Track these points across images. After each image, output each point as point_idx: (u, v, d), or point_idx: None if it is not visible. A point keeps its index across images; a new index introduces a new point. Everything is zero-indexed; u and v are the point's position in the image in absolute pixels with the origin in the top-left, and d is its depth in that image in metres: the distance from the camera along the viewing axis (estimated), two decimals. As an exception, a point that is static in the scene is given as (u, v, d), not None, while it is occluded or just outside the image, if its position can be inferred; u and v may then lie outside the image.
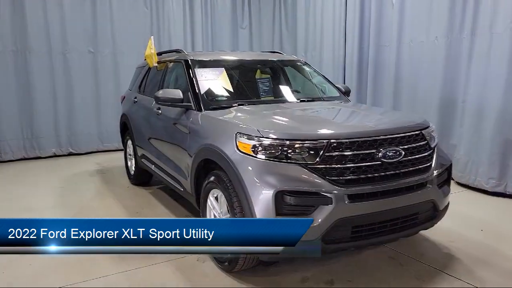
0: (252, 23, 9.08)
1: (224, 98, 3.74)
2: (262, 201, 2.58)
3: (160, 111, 4.17)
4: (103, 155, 7.63)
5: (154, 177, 5.47)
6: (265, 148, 2.68)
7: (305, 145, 2.64)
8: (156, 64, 4.82)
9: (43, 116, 7.20)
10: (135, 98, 5.21)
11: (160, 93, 3.65)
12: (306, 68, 4.53)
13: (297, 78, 4.39)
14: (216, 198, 3.15)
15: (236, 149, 2.80)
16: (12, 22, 6.76)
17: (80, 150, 7.58)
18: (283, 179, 2.59)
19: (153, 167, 4.55)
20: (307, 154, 2.63)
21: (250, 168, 2.68)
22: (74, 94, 7.40)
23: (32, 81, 7.03)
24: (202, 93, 3.67)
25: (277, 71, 4.38)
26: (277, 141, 2.66)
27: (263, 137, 2.70)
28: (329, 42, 7.37)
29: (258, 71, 4.21)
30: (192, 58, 4.08)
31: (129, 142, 5.57)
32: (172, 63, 4.48)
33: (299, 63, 4.58)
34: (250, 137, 2.75)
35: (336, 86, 4.33)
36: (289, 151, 2.64)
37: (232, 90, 3.78)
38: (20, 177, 6.10)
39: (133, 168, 5.48)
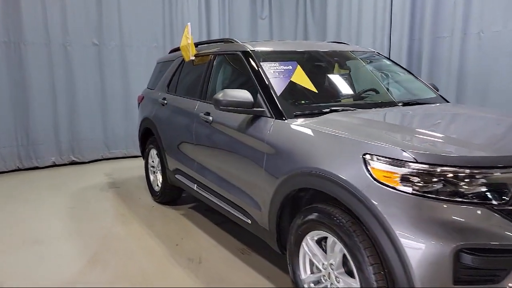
0: (272, 13, 8.17)
1: (309, 102, 2.84)
2: (429, 261, 1.70)
3: (210, 118, 3.24)
4: (110, 163, 6.64)
5: (183, 195, 4.57)
6: (426, 179, 1.79)
7: (492, 175, 1.76)
8: (193, 58, 3.89)
9: (41, 119, 6.18)
10: (164, 99, 4.26)
11: (221, 95, 2.73)
12: (386, 61, 3.66)
13: (379, 74, 3.51)
14: (319, 243, 2.27)
15: (369, 177, 1.90)
16: (3, 8, 5.72)
17: (84, 158, 6.58)
18: (463, 229, 1.71)
19: (195, 186, 3.63)
20: (492, 189, 1.75)
21: (402, 209, 1.79)
22: (76, 92, 6.39)
23: (28, 78, 5.99)
24: (278, 95, 2.76)
25: (357, 66, 3.49)
26: (447, 169, 1.77)
27: (418, 162, 1.81)
28: (368, 34, 6.50)
29: (337, 65, 3.31)
30: (253, 49, 3.16)
31: (153, 152, 4.63)
32: (219, 56, 3.55)
33: (376, 56, 3.70)
34: (394, 162, 1.86)
35: (427, 84, 3.46)
36: (465, 184, 1.76)
37: (316, 91, 2.88)
38: (17, 194, 5.08)
39: (159, 184, 4.54)
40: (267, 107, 2.71)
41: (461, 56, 5.20)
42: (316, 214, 2.21)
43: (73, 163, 6.53)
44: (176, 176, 4.00)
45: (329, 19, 7.25)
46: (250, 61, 3.05)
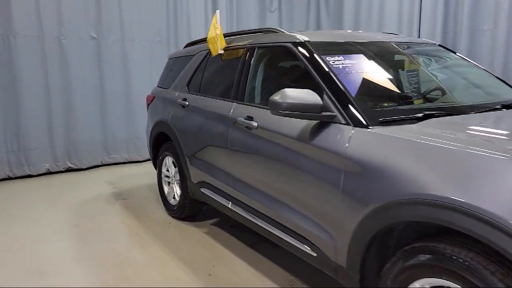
0: (281, 6, 7.62)
1: (393, 105, 2.29)
2: None
3: (254, 123, 2.67)
4: (111, 170, 6.01)
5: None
6: None
7: None
8: (222, 52, 3.31)
9: (33, 121, 5.51)
10: (184, 100, 3.67)
11: (280, 97, 2.16)
12: (453, 55, 3.13)
13: (446, 69, 2.98)
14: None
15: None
16: (-10, -4, 5.06)
17: (81, 164, 5.93)
18: None
19: (229, 204, 3.05)
20: None
21: None
22: (72, 91, 5.73)
23: (18, 75, 5.33)
24: (354, 96, 2.21)
25: (428, 61, 2.96)
26: None
27: None
28: (391, 26, 5.98)
29: (407, 60, 2.77)
30: (307, 39, 2.61)
31: (169, 160, 4.04)
32: (260, 48, 2.98)
33: (441, 49, 3.17)
34: None
35: (504, 81, 2.95)
36: None
37: (398, 91, 2.33)
38: (10, 208, 4.43)
39: (177, 197, 3.96)
40: (340, 112, 2.16)
41: (505, 51, 4.72)
42: (429, 256, 1.66)
43: (69, 170, 5.88)
44: (202, 190, 3.42)
45: (346, 10, 6.72)
46: (307, 55, 2.49)
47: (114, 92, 6.06)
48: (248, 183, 2.81)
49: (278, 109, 2.18)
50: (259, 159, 2.66)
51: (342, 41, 2.74)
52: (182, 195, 3.81)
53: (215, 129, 3.13)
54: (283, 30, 2.89)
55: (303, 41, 2.60)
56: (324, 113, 2.17)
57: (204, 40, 3.97)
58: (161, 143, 4.22)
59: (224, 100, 3.12)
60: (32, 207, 4.44)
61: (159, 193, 4.35)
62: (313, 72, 2.40)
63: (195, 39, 4.41)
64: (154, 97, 4.42)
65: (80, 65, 5.73)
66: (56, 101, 5.63)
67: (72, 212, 4.24)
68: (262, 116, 2.64)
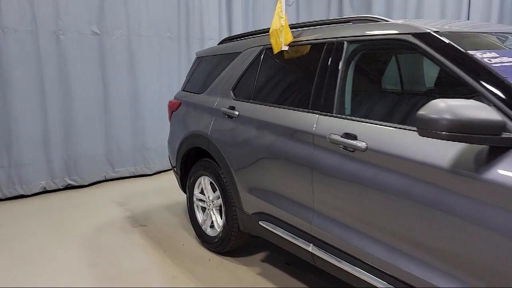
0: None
1: None
2: None
3: (361, 144, 1.96)
4: (117, 186, 5.20)
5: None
6: None
7: None
8: (286, 48, 2.59)
9: (26, 131, 4.67)
10: (231, 108, 2.92)
11: (434, 112, 1.48)
12: None
13: None
14: None
15: None
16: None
17: (82, 180, 5.10)
18: None
19: (310, 247, 2.33)
20: None
21: None
22: (71, 95, 4.90)
23: (8, 77, 4.48)
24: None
25: None
26: None
27: None
28: (432, 18, 5.34)
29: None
30: (437, 30, 1.91)
31: (205, 181, 3.30)
32: (352, 43, 2.26)
33: None
34: None
35: None
36: None
37: None
38: (6, 240, 3.61)
39: (217, 227, 3.22)
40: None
41: None
42: None
43: (69, 187, 5.05)
44: (262, 223, 2.68)
45: (376, 5, 6.06)
46: (449, 50, 1.79)
47: (119, 96, 5.26)
48: (347, 224, 2.10)
49: (435, 128, 1.47)
50: (369, 193, 1.94)
51: (483, 31, 2.05)
52: (226, 226, 3.07)
53: (287, 148, 2.40)
54: (387, 19, 2.18)
55: (432, 31, 1.89)
56: (506, 135, 1.48)
57: (245, 35, 3.26)
58: (192, 159, 3.48)
59: (299, 111, 2.40)
60: (32, 239, 3.62)
61: (189, 220, 3.59)
62: (464, 74, 1.70)
63: (232, 35, 3.68)
64: (181, 103, 3.66)
65: (81, 64, 4.91)
66: (52, 107, 4.80)
67: (83, 246, 3.45)
68: (373, 135, 1.93)
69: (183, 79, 5.76)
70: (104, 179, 5.34)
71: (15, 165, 4.64)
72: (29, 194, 4.75)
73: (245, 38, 3.21)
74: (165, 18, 5.48)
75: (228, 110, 2.93)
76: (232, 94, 3.01)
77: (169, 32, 5.57)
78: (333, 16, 6.84)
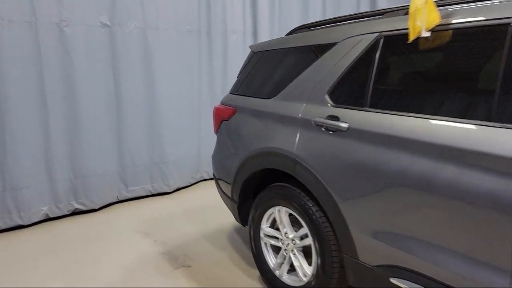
0: (326, -12, 6.18)
1: None
2: None
3: None
4: (133, 208, 4.34)
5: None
6: None
7: None
8: (428, 34, 1.83)
9: (24, 146, 3.77)
10: (334, 119, 2.13)
11: None
12: None
13: None
14: None
15: None
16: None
17: (92, 203, 4.22)
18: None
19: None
20: None
21: None
22: (77, 100, 4.02)
23: (1, 78, 3.57)
24: None
25: None
26: None
27: None
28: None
29: None
30: None
31: (281, 213, 2.51)
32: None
33: None
34: None
35: None
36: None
37: None
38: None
39: (302, 276, 2.43)
40: None
41: None
42: None
43: (76, 212, 4.17)
44: (397, 281, 1.90)
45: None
46: None
47: (133, 100, 4.40)
48: None
49: None
50: None
51: None
52: (322, 276, 2.28)
53: (460, 180, 1.63)
54: None
55: None
56: None
57: (333, 22, 2.49)
58: (257, 182, 2.69)
59: (467, 123, 1.63)
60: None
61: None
62: None
63: (308, 23, 2.91)
64: (236, 110, 2.86)
65: (88, 63, 4.04)
66: (55, 115, 3.91)
67: (117, 302, 2.61)
68: None
69: (204, 79, 4.95)
70: (117, 200, 4.47)
71: (11, 189, 3.73)
72: (28, 223, 3.85)
73: (337, 25, 2.42)
74: (184, 7, 4.65)
75: (328, 121, 2.14)
76: (328, 100, 2.22)
77: (189, 25, 4.74)
78: (365, 2, 6.14)
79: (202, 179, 5.26)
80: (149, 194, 4.66)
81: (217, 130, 3.07)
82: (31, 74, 3.72)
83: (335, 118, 2.12)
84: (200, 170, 5.18)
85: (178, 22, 4.64)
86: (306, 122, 2.27)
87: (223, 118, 2.97)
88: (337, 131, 2.10)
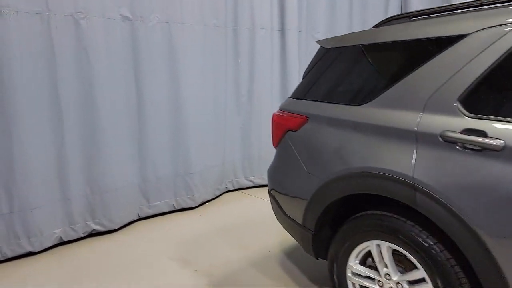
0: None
1: None
2: None
3: None
4: (157, 227, 3.80)
5: None
6: None
7: None
8: None
9: (35, 160, 3.19)
10: (478, 134, 1.64)
11: None
12: None
13: None
14: None
15: None
16: None
17: (111, 223, 3.66)
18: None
19: None
20: None
21: None
22: (95, 103, 3.45)
23: (8, 77, 2.99)
24: None
25: None
26: None
27: None
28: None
29: None
30: None
31: (374, 248, 2.01)
32: None
33: None
34: None
35: None
36: None
37: None
38: None
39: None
40: None
41: None
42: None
43: (93, 234, 3.60)
44: None
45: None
46: None
47: (156, 103, 3.86)
48: None
49: None
50: None
51: None
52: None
53: None
54: None
55: None
56: None
57: (435, 11, 2.01)
58: (340, 209, 2.19)
59: None
60: None
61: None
62: None
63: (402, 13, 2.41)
64: (308, 119, 2.35)
65: (108, 61, 3.48)
66: (70, 121, 3.34)
67: None
68: None
69: (230, 80, 4.42)
70: (137, 217, 3.91)
71: (19, 211, 3.15)
72: (40, 250, 3.27)
73: (458, 14, 1.93)
74: (211, 1, 4.11)
75: (467, 137, 1.65)
76: (461, 108, 1.72)
77: (215, 19, 4.21)
78: (395, 3, 5.68)
79: (226, 190, 4.73)
80: (173, 209, 4.12)
81: (278, 142, 2.55)
82: (42, 74, 3.15)
83: (480, 133, 1.63)
84: (224, 180, 4.66)
85: (204, 16, 4.10)
86: (428, 136, 1.77)
87: (289, 128, 2.45)
88: (483, 150, 1.60)
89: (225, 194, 4.72)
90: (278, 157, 2.59)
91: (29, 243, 3.21)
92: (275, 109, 4.86)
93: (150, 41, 3.72)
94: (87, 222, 3.53)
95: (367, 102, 2.08)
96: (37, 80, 3.12)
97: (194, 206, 4.22)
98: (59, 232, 3.38)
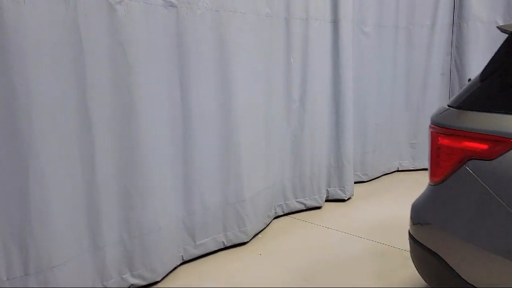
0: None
1: None
2: None
3: None
4: (208, 272, 2.97)
5: None
6: None
7: None
8: None
9: (59, 198, 2.28)
10: None
11: None
12: None
13: None
14: None
15: None
16: None
17: (154, 274, 2.78)
18: None
19: None
20: None
21: None
22: (135, 117, 2.56)
23: (19, 83, 2.08)
24: None
25: None
26: None
27: None
28: None
29: None
30: None
31: None
32: None
33: None
34: None
35: None
36: None
37: None
38: None
39: None
40: None
41: None
42: None
43: (132, 290, 2.72)
44: None
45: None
46: None
47: (204, 115, 3.00)
48: None
49: None
50: None
51: None
52: None
53: None
54: None
55: None
56: None
57: None
58: None
59: None
60: None
61: None
62: None
63: None
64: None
65: (148, 59, 2.60)
66: (103, 144, 2.45)
67: None
68: None
69: (281, 83, 3.63)
70: (181, 260, 3.05)
71: (36, 272, 2.24)
72: (66, 320, 2.37)
73: None
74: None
75: None
76: None
77: (268, 7, 3.38)
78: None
79: (275, 216, 3.92)
80: (222, 247, 3.27)
81: (447, 175, 1.75)
82: (67, 78, 2.26)
83: None
84: (273, 204, 3.84)
85: (258, 4, 3.27)
86: None
87: (471, 155, 1.65)
88: None
89: (273, 220, 3.90)
90: (446, 194, 1.79)
91: (50, 313, 2.31)
92: (328, 117, 4.06)
93: (198, 33, 2.86)
94: (123, 276, 2.65)
95: None
96: (60, 85, 2.23)
97: (246, 240, 3.39)
98: (89, 292, 2.49)
